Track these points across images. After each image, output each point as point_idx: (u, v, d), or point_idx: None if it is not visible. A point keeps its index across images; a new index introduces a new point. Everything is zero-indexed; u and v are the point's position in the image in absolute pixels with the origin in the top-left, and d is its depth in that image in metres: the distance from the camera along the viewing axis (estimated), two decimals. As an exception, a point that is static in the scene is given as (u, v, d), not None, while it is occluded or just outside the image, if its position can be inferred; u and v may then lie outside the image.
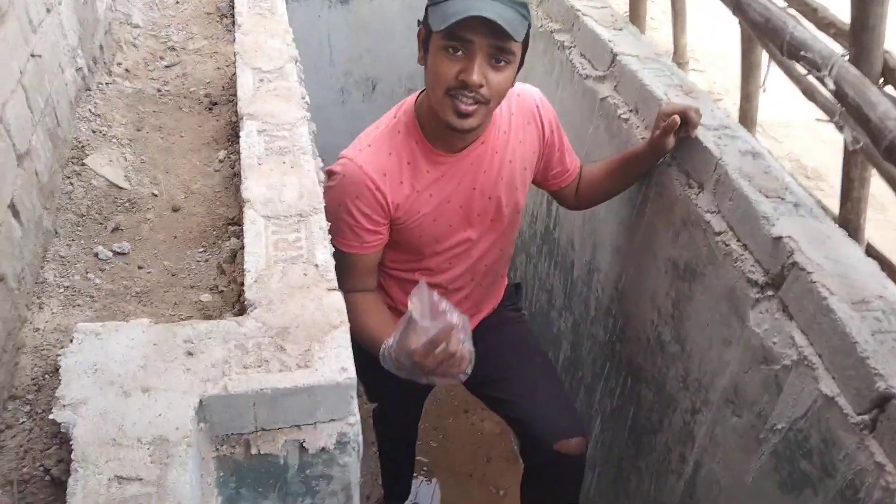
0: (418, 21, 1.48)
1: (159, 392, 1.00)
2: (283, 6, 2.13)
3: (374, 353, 1.49)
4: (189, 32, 2.47)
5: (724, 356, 1.50)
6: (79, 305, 1.32)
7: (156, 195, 1.65)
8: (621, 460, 2.02)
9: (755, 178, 1.50)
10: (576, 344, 2.36)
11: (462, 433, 3.02)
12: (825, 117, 1.38)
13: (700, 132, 1.62)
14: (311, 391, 1.05)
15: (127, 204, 1.61)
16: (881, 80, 1.25)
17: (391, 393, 2.03)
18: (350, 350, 1.11)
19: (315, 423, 1.09)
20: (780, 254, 1.34)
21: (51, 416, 0.97)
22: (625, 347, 1.98)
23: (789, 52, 1.36)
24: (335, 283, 1.21)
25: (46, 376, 1.16)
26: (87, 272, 1.41)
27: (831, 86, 1.22)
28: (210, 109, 2.05)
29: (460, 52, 1.36)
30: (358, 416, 1.13)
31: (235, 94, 1.78)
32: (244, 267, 1.23)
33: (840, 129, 1.26)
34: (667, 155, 1.71)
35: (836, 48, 1.33)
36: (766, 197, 1.45)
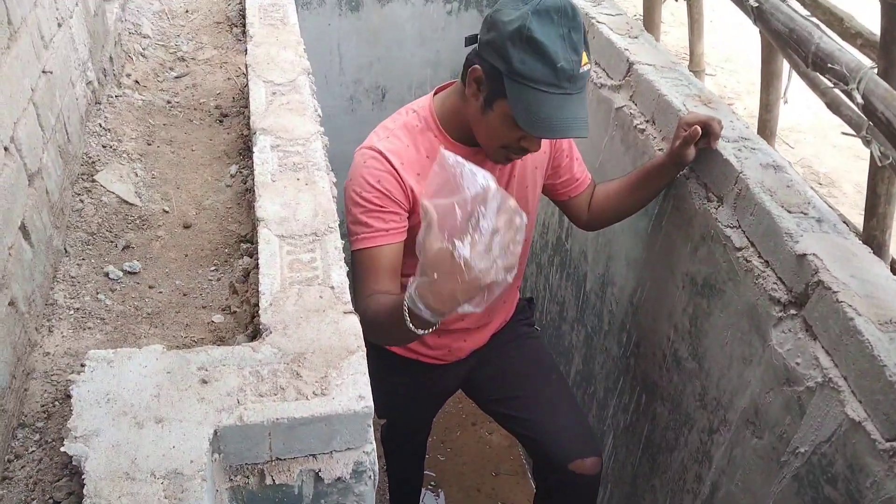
0: (470, 41, 1.42)
1: (173, 423, 0.98)
2: (294, 16, 2.11)
3: (397, 327, 1.19)
4: (199, 42, 2.46)
5: (745, 375, 1.47)
6: (89, 328, 1.30)
7: (167, 212, 1.63)
8: (635, 478, 1.99)
9: (777, 193, 1.47)
10: (588, 358, 2.33)
11: (470, 447, 3.00)
12: (851, 131, 1.34)
13: (720, 144, 1.59)
14: (328, 420, 1.03)
15: (138, 221, 1.59)
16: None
17: (401, 409, 2.00)
18: (367, 377, 1.09)
19: (331, 451, 1.07)
20: (804, 272, 1.31)
21: (62, 449, 0.95)
22: (639, 363, 1.95)
23: (815, 63, 1.33)
24: (351, 307, 1.19)
25: (56, 403, 1.14)
26: (97, 293, 1.39)
27: (859, 99, 1.19)
28: (220, 122, 2.03)
29: None
30: (374, 445, 1.11)
31: (246, 106, 1.76)
32: (259, 289, 1.21)
33: (867, 143, 1.23)
34: (686, 167, 1.68)
35: (864, 60, 1.30)
36: (789, 212, 1.42)
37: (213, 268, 1.49)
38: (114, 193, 1.63)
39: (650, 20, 2.29)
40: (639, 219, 1.88)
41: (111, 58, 2.06)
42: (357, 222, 1.49)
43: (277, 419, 1.00)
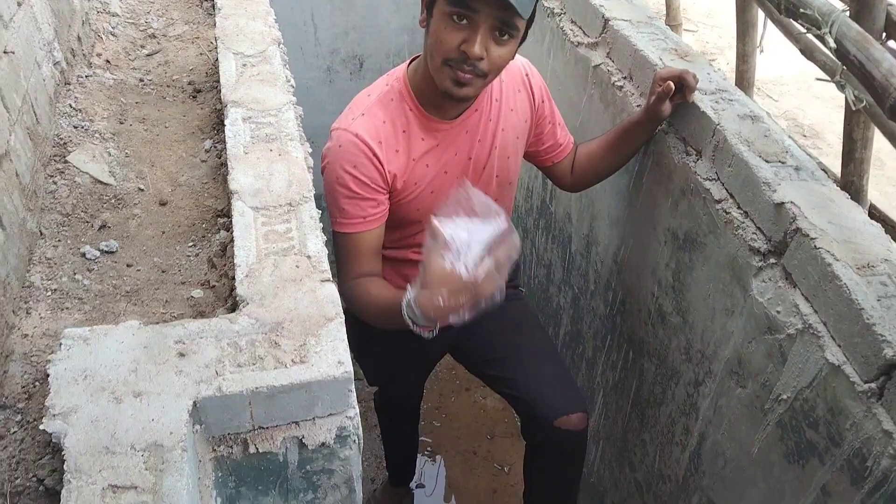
0: None
1: (152, 396, 0.98)
2: (262, -14, 2.07)
3: (392, 321, 1.35)
4: (169, 18, 2.42)
5: (728, 326, 1.48)
6: (67, 308, 1.29)
7: (142, 190, 1.62)
8: (626, 433, 2.01)
9: (755, 143, 1.46)
10: (576, 318, 2.34)
11: (464, 411, 3.03)
12: (825, 76, 1.33)
13: (697, 97, 1.58)
14: (308, 387, 1.03)
15: (113, 200, 1.57)
16: (884, 36, 1.21)
17: (391, 375, 2.01)
18: (346, 343, 1.08)
19: (313, 418, 1.07)
20: (782, 220, 1.31)
21: (41, 427, 0.95)
22: (625, 320, 1.96)
23: (787, 9, 1.31)
24: (329, 275, 1.18)
25: (37, 383, 1.13)
26: (74, 273, 1.38)
27: (832, 44, 1.18)
28: (194, 97, 2.00)
29: (465, 22, 1.32)
30: (357, 409, 1.11)
31: (219, 81, 1.73)
32: (234, 262, 1.20)
33: (841, 88, 1.22)
34: (664, 122, 1.67)
35: (836, 3, 1.29)
36: (767, 162, 1.42)
37: (190, 243, 1.48)
38: (87, 174, 1.61)
39: (626, -25, 2.26)
40: (620, 177, 1.87)
41: (79, 37, 2.02)
42: (336, 205, 1.48)
43: (257, 388, 1.00)
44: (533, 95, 1.64)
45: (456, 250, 1.15)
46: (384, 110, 1.49)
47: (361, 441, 1.15)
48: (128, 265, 1.42)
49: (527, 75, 1.64)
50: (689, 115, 1.59)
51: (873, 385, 1.10)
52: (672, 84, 1.52)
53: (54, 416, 0.95)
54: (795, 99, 3.85)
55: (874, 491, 1.10)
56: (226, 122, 1.50)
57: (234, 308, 1.21)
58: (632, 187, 1.85)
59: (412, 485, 2.72)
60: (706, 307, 1.56)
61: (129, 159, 1.70)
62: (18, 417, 1.10)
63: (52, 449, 1.03)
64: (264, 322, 1.09)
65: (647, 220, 1.79)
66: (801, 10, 1.25)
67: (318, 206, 1.35)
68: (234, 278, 1.22)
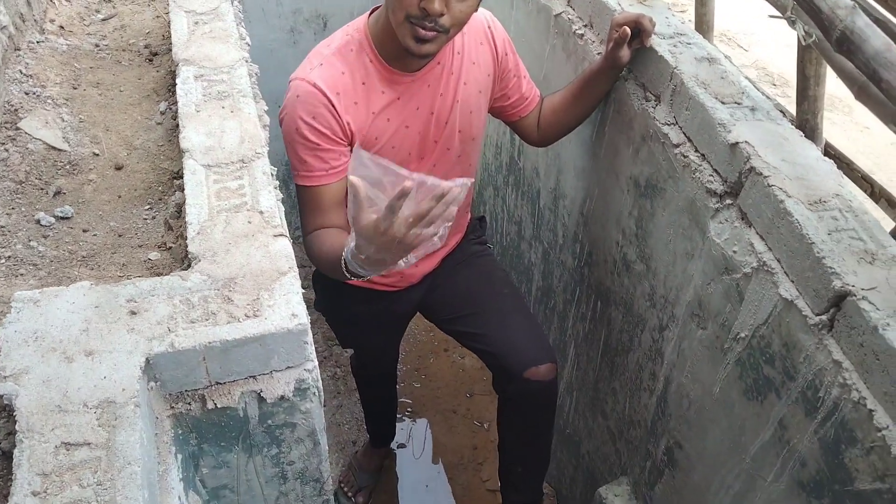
0: None
1: (103, 354, 0.98)
2: (214, -56, 2.02)
3: (341, 274, 1.32)
4: (123, -19, 2.35)
5: (688, 270, 1.49)
6: (22, 275, 1.28)
7: (97, 154, 1.59)
8: (597, 382, 2.03)
9: (711, 85, 1.45)
10: (546, 273, 2.35)
11: (444, 372, 3.05)
12: (777, 14, 1.33)
13: (655, 41, 1.57)
14: (262, 340, 1.03)
15: (68, 166, 1.55)
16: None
17: (363, 337, 2.02)
18: (300, 296, 1.08)
19: (271, 372, 1.07)
20: (736, 160, 1.32)
21: (-8, 389, 0.94)
22: (593, 272, 1.97)
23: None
24: (281, 230, 1.17)
25: (-8, 349, 1.12)
26: (29, 240, 1.36)
27: (780, -21, 1.17)
28: (150, 61, 1.96)
29: None
30: (315, 362, 1.11)
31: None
32: (186, 220, 1.19)
33: (792, 24, 1.22)
34: (624, 69, 1.66)
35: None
36: (723, 103, 1.41)
37: (147, 206, 1.46)
38: (40, 140, 1.58)
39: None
40: (584, 127, 1.86)
41: (28, 1, 1.96)
42: (296, 157, 1.46)
43: (210, 343, 1.00)
44: (496, 48, 1.62)
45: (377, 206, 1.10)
46: (343, 61, 1.47)
47: (322, 394, 1.15)
48: (84, 231, 1.40)
49: (489, 27, 1.62)
50: (647, 60, 1.58)
51: (824, 317, 1.11)
52: (628, 29, 1.51)
53: (5, 377, 0.95)
54: (765, 49, 3.84)
55: (826, 420, 1.12)
56: (177, 80, 1.47)
57: (189, 267, 1.21)
58: (595, 137, 1.85)
59: (393, 445, 2.76)
60: (668, 252, 1.57)
61: (83, 124, 1.66)
62: (-26, 383, 1.09)
63: (8, 413, 1.02)
64: (216, 278, 1.08)
65: (611, 169, 1.79)
66: (753, -53, 1.23)
67: (273, 164, 1.34)
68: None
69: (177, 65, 1.52)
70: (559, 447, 2.42)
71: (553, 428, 1.90)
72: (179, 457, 1.04)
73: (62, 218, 1.42)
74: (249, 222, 1.17)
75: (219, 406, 1.06)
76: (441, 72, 1.54)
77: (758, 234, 1.28)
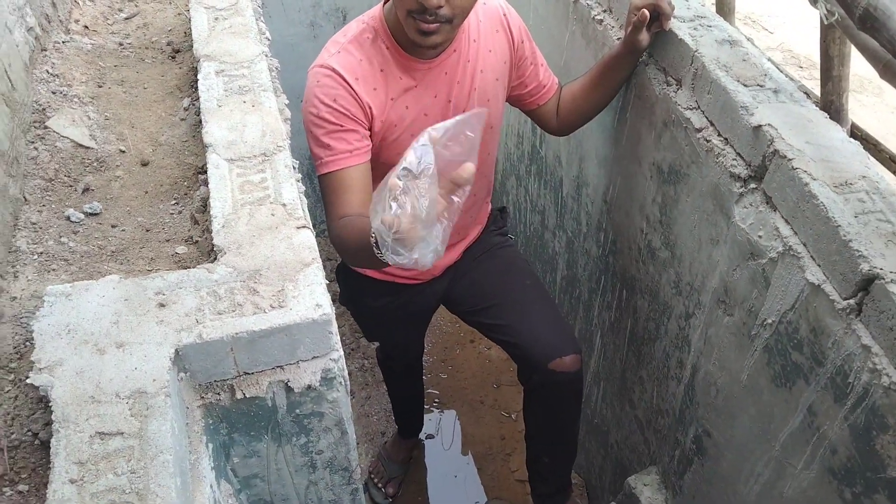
0: None
1: (134, 346, 1.00)
2: (234, -60, 2.03)
3: (371, 256, 1.12)
4: (145, -20, 2.38)
5: (713, 256, 1.48)
6: (54, 270, 1.31)
7: (123, 151, 1.62)
8: (624, 371, 2.03)
9: (733, 68, 1.44)
10: (571, 262, 2.35)
11: (470, 363, 3.06)
12: (800, -5, 1.30)
13: (675, 24, 1.55)
14: (288, 330, 1.04)
15: (95, 163, 1.58)
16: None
17: (387, 330, 2.03)
18: (324, 286, 1.09)
19: (297, 361, 1.09)
20: (760, 143, 1.30)
21: (28, 381, 0.97)
22: (618, 260, 1.96)
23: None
24: (304, 221, 1.19)
25: (27, 343, 1.15)
26: (60, 236, 1.39)
27: (803, -41, 1.15)
28: (173, 58, 1.99)
29: None
30: (341, 352, 1.13)
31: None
32: (211, 214, 1.21)
33: (814, 3, 1.19)
34: (644, 54, 1.64)
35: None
36: (745, 86, 1.39)
37: (173, 201, 1.48)
38: (68, 138, 1.61)
39: None
40: (605, 114, 1.85)
41: (54, 3, 2.00)
42: (319, 144, 1.45)
43: (237, 334, 1.02)
44: (511, 35, 1.62)
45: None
46: (360, 49, 1.47)
47: (348, 383, 1.17)
48: (112, 226, 1.43)
49: (504, 15, 1.62)
50: (667, 44, 1.56)
51: (852, 302, 1.10)
52: (647, 12, 1.49)
53: (40, 369, 0.97)
54: (790, 31, 3.77)
55: (856, 406, 1.11)
56: (199, 76, 1.49)
57: (216, 260, 1.23)
58: (616, 124, 1.84)
59: (422, 436, 2.77)
60: (693, 239, 1.56)
61: (109, 122, 1.69)
62: (11, 376, 1.12)
63: (44, 403, 1.05)
64: (242, 270, 1.10)
65: (633, 156, 1.77)
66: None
67: (294, 156, 1.35)
68: (214, 232, 1.23)
69: (198, 61, 1.54)
70: (587, 437, 2.42)
71: (580, 418, 1.90)
72: (210, 446, 1.06)
73: (91, 214, 1.45)
74: (273, 215, 1.18)
75: (247, 396, 1.08)
76: (458, 59, 1.54)
77: (783, 218, 1.26)
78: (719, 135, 1.42)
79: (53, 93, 1.72)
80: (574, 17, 1.98)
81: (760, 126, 1.28)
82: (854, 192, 1.15)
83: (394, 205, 0.91)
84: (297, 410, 1.14)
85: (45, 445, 1.03)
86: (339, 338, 1.12)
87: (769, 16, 3.83)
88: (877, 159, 1.33)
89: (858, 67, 1.49)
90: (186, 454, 0.99)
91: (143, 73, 1.88)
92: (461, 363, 3.09)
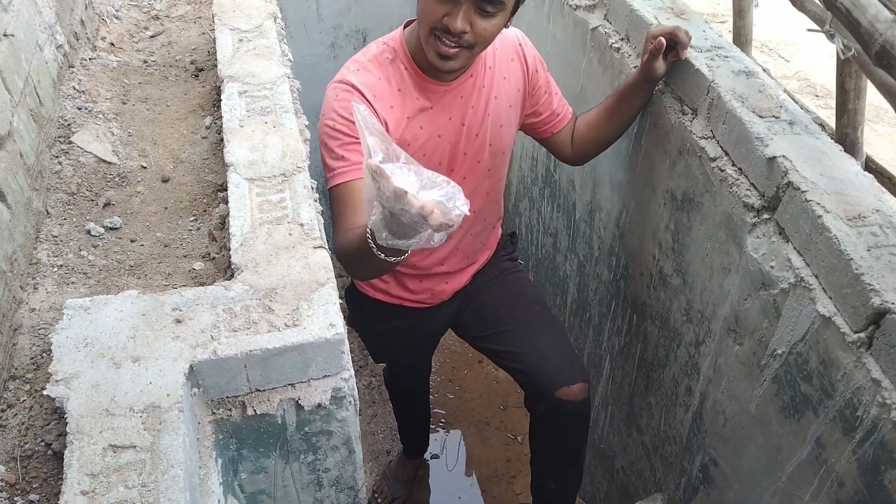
0: None
1: (149, 361, 1.02)
2: (259, -37, 2.08)
3: (369, 256, 1.11)
4: (171, -1, 2.44)
5: (725, 285, 1.48)
6: (73, 283, 1.33)
7: (145, 167, 1.65)
8: (632, 397, 2.02)
9: (749, 99, 1.45)
10: (582, 286, 2.35)
11: (477, 383, 3.06)
12: (816, 27, 1.32)
13: (691, 54, 1.57)
14: (301, 349, 1.06)
15: (117, 179, 1.61)
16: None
17: (395, 353, 2.04)
18: (338, 306, 1.11)
19: (308, 380, 1.10)
20: (774, 174, 1.31)
21: (45, 392, 0.99)
22: (629, 285, 1.96)
23: (776, -38, 1.29)
24: (320, 241, 1.21)
25: (44, 355, 1.18)
26: (80, 250, 1.42)
27: (818, -7, 1.16)
28: (196, 76, 2.03)
29: None
30: (352, 371, 1.14)
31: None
32: (230, 232, 1.23)
33: (831, 37, 1.21)
34: (660, 82, 1.66)
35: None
36: (760, 117, 1.40)
37: (192, 218, 1.51)
38: (91, 153, 1.65)
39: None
40: (620, 140, 1.86)
41: (82, 21, 2.05)
42: (333, 156, 1.43)
43: (251, 351, 1.03)
44: (526, 64, 1.64)
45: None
46: (379, 68, 1.50)
47: (357, 403, 1.18)
48: (131, 241, 1.46)
49: (520, 45, 1.64)
50: (684, 73, 1.58)
51: (862, 335, 1.10)
52: (663, 40, 1.51)
53: (57, 381, 0.99)
54: (809, 59, 3.78)
55: (864, 440, 1.11)
56: (222, 96, 1.52)
57: (232, 277, 1.25)
58: (631, 150, 1.85)
59: (427, 455, 2.77)
60: (704, 267, 1.56)
61: (132, 138, 1.73)
62: (27, 387, 1.14)
63: (59, 415, 1.07)
64: (258, 288, 1.12)
65: (647, 182, 1.78)
66: (790, -39, 1.23)
67: (314, 177, 1.37)
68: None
69: (222, 81, 1.58)
70: (593, 462, 2.41)
71: (586, 445, 1.89)
72: (220, 461, 1.08)
73: (111, 228, 1.48)
74: (290, 234, 1.20)
75: (258, 412, 1.09)
76: (473, 84, 1.56)
77: (795, 249, 1.27)
78: (733, 164, 1.43)
79: (79, 109, 1.76)
80: (591, 45, 2.00)
81: (775, 157, 1.29)
82: (867, 226, 1.16)
83: (397, 172, 0.88)
84: (307, 428, 1.16)
85: (58, 456, 1.05)
86: (350, 357, 1.13)
87: (786, 44, 3.84)
88: (891, 192, 1.33)
89: (874, 97, 1.50)
90: (196, 469, 1.00)
91: (166, 91, 1.92)
92: (468, 383, 3.09)
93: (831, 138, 1.40)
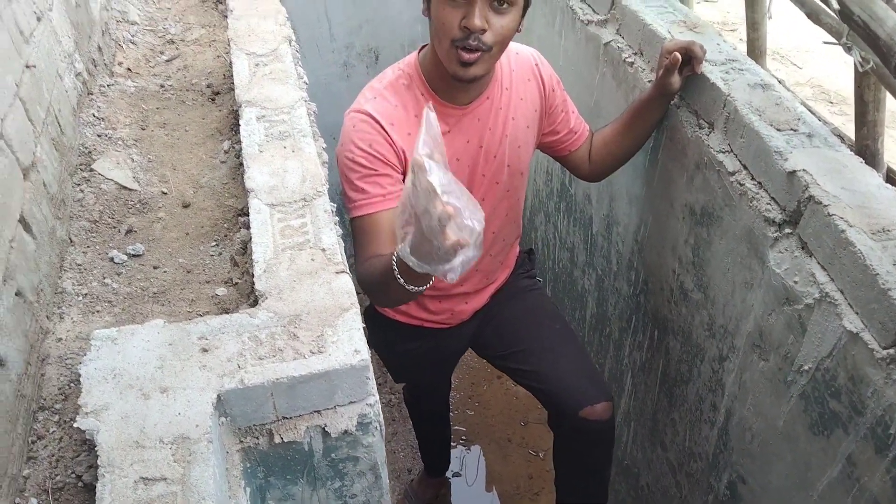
0: None
1: (178, 391, 1.02)
2: (273, -14, 2.10)
3: (393, 283, 1.16)
4: (186, 23, 2.46)
5: (748, 300, 1.47)
6: (98, 312, 1.34)
7: (165, 193, 1.66)
8: (655, 413, 2.01)
9: (766, 112, 1.44)
10: (601, 300, 2.34)
11: (497, 399, 3.05)
12: (833, 39, 1.31)
13: (707, 68, 1.57)
14: (327, 376, 1.06)
15: (138, 205, 1.63)
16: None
17: (415, 374, 2.04)
18: (362, 331, 1.11)
19: (335, 406, 1.10)
20: (795, 188, 1.30)
21: (75, 425, 0.99)
22: (649, 300, 1.96)
23: (791, -25, 1.29)
24: (343, 266, 1.21)
25: (72, 385, 1.18)
26: (104, 277, 1.43)
27: (835, 4, 1.16)
28: (213, 100, 2.05)
29: None
30: (377, 396, 1.14)
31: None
32: (252, 258, 1.24)
33: (848, 50, 1.20)
34: (675, 97, 1.66)
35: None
36: (779, 130, 1.40)
37: (213, 243, 1.52)
38: (112, 180, 1.67)
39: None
40: (637, 154, 1.86)
41: (99, 47, 2.07)
42: (353, 188, 1.46)
43: (277, 379, 1.04)
44: (543, 84, 1.64)
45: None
46: (396, 95, 1.51)
47: (383, 428, 1.18)
48: (154, 267, 1.47)
49: (536, 65, 1.64)
50: (699, 87, 1.58)
51: (892, 351, 1.09)
52: (678, 55, 1.51)
53: (87, 413, 1.00)
54: (822, 66, 3.76)
55: (898, 457, 1.09)
56: (241, 122, 1.53)
57: (256, 303, 1.25)
58: (648, 164, 1.85)
59: (448, 473, 2.76)
60: (726, 281, 1.55)
61: (152, 164, 1.75)
62: (56, 418, 1.15)
63: (88, 446, 1.08)
64: (283, 315, 1.12)
65: (665, 196, 1.78)
66: (806, -25, 1.23)
67: (332, 200, 1.38)
68: (254, 275, 1.26)
69: (240, 106, 1.59)
70: (617, 478, 2.39)
71: (611, 464, 1.88)
72: (248, 490, 1.08)
73: (134, 255, 1.49)
74: (313, 260, 1.21)
75: (285, 440, 1.09)
76: (490, 106, 1.57)
77: (819, 264, 1.26)
78: (753, 178, 1.43)
79: (99, 136, 1.78)
80: (605, 60, 2.00)
81: (795, 171, 1.29)
82: (892, 240, 1.15)
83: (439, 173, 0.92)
84: (333, 455, 1.16)
85: (89, 488, 1.05)
86: (374, 383, 1.13)
87: (797, 51, 3.83)
88: (914, 205, 1.32)
89: (893, 103, 1.48)
90: (227, 499, 1.00)
91: (184, 116, 1.94)
92: (488, 399, 3.08)
93: (850, 150, 1.39)
